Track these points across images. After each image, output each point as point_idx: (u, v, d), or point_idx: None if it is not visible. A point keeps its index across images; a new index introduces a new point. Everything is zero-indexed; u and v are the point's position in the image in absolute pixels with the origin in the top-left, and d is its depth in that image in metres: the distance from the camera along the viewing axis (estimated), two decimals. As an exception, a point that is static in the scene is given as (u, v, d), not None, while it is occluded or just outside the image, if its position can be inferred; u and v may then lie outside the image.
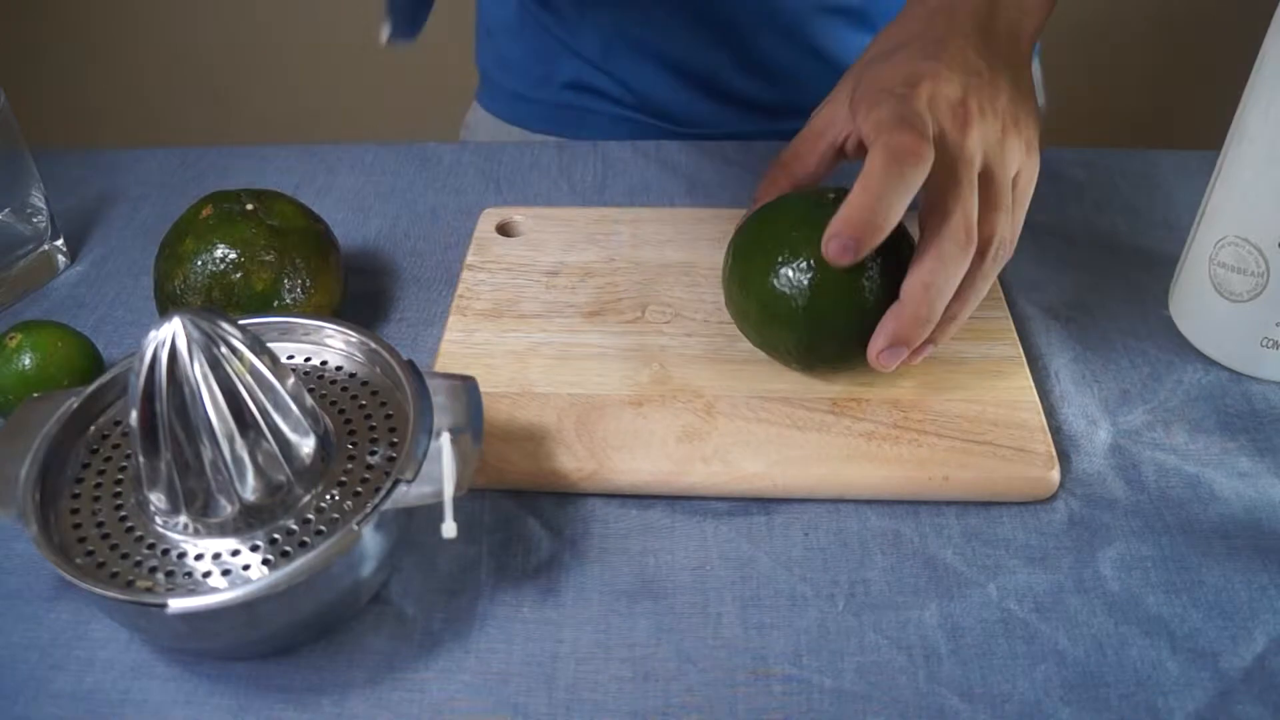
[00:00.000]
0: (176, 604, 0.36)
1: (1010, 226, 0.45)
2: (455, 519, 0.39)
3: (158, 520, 0.40)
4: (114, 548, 0.39)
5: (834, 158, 0.51)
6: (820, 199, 0.47)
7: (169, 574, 0.39)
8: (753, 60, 0.72)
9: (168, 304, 0.52)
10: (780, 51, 0.71)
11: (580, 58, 0.75)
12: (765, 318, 0.48)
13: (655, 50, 0.73)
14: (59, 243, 0.61)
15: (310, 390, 0.42)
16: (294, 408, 0.40)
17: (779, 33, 0.70)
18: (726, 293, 0.50)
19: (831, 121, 0.50)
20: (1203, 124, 0.79)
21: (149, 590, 0.38)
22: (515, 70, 0.79)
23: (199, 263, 0.51)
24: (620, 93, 0.75)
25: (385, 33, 0.54)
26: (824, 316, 0.46)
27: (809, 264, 0.45)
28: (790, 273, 0.46)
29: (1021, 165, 0.46)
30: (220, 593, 0.36)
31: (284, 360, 0.43)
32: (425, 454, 0.40)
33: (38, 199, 0.60)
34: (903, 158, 0.41)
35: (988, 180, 0.44)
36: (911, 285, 0.43)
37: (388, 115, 1.60)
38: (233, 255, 0.51)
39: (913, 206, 0.43)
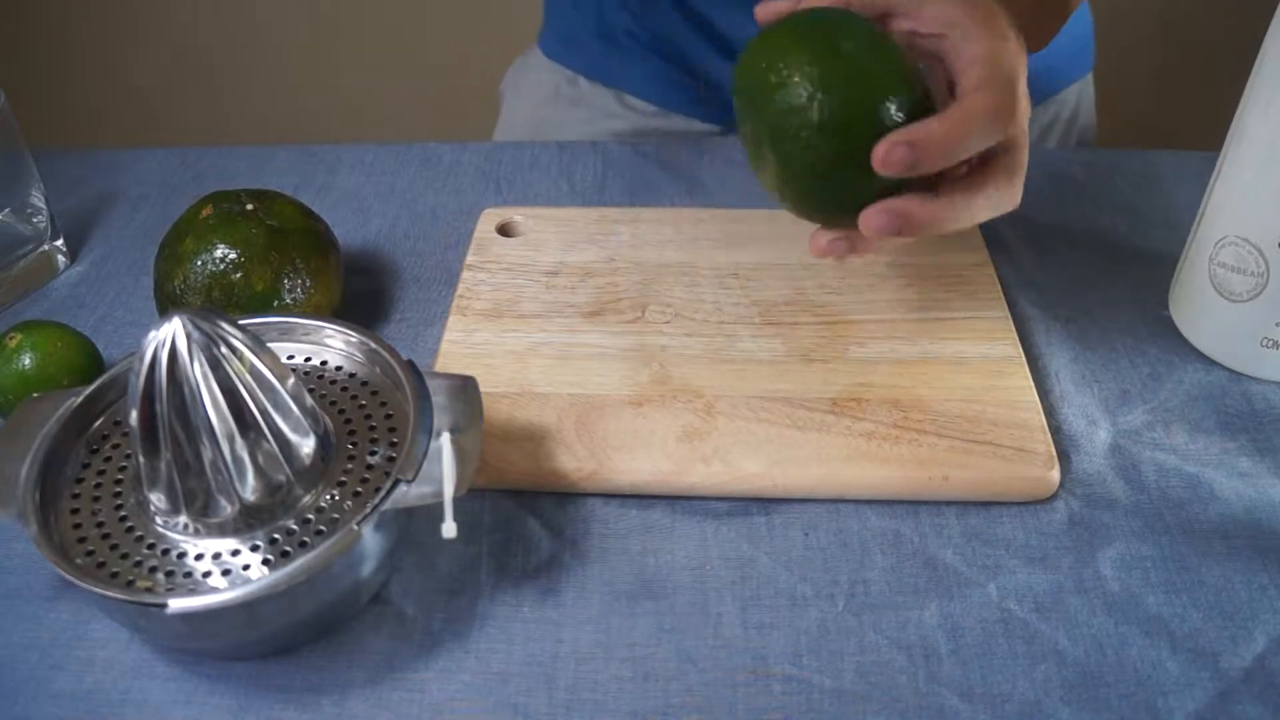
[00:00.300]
0: (176, 604, 0.36)
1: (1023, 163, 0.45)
2: (455, 519, 0.39)
3: (158, 520, 0.40)
4: (114, 548, 0.39)
5: (876, 8, 0.47)
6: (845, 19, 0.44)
7: (169, 574, 0.39)
8: None
9: (168, 304, 0.52)
10: None
11: (626, 9, 0.75)
12: (776, 138, 0.44)
13: (713, 32, 0.72)
14: (59, 243, 0.61)
15: (310, 390, 0.42)
16: (294, 408, 0.40)
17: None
18: (740, 124, 0.47)
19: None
20: (1203, 124, 0.79)
21: (149, 590, 0.38)
22: (566, 12, 0.79)
23: (199, 263, 0.51)
24: (661, 45, 0.75)
25: None
26: (843, 131, 0.42)
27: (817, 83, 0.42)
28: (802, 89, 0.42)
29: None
30: (220, 593, 0.36)
31: (284, 360, 0.43)
32: (425, 454, 0.40)
33: (38, 199, 0.60)
34: (1004, 120, 0.42)
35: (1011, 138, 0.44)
36: (942, 119, 0.42)
37: (387, 115, 1.60)
38: (233, 255, 0.51)
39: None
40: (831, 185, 0.44)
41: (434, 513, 0.39)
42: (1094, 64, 0.80)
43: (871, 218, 0.42)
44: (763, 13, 0.47)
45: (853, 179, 0.43)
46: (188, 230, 0.52)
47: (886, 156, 0.41)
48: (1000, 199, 0.44)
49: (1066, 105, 0.78)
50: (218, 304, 0.51)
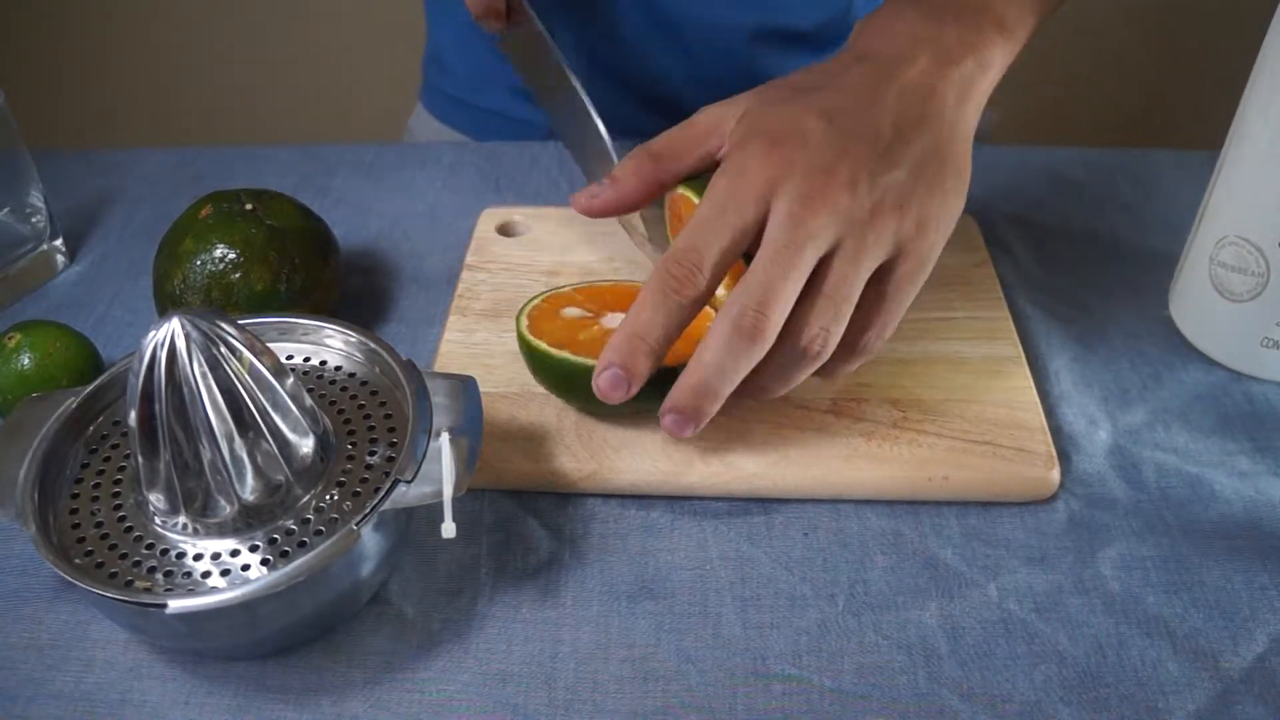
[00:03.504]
0: (176, 604, 0.36)
1: (835, 323, 0.41)
2: (455, 519, 0.39)
3: (157, 520, 0.40)
4: (113, 548, 0.39)
5: (707, 166, 0.46)
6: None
7: (168, 574, 0.39)
8: (697, 77, 0.71)
9: (167, 304, 0.52)
10: (723, 70, 0.71)
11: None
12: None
13: (602, 61, 0.72)
14: (58, 242, 0.61)
15: (310, 390, 0.42)
16: (293, 408, 0.40)
17: (721, 53, 0.70)
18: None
19: (717, 128, 0.45)
20: (1203, 124, 0.79)
21: (148, 590, 0.38)
22: (456, 75, 0.79)
23: (198, 262, 0.51)
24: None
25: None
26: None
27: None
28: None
29: (902, 250, 0.41)
30: (219, 593, 0.36)
31: (284, 360, 0.43)
32: (425, 454, 0.40)
33: (37, 199, 0.60)
34: (681, 288, 0.40)
35: (824, 268, 0.40)
36: (692, 364, 0.41)
37: (388, 115, 1.60)
38: (232, 255, 0.51)
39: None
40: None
41: (434, 513, 0.39)
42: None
43: (664, 420, 0.43)
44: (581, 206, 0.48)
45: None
46: (187, 230, 0.52)
47: (597, 386, 0.42)
48: (735, 334, 0.40)
49: None
50: (217, 304, 0.51)
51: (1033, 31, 0.48)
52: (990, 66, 0.46)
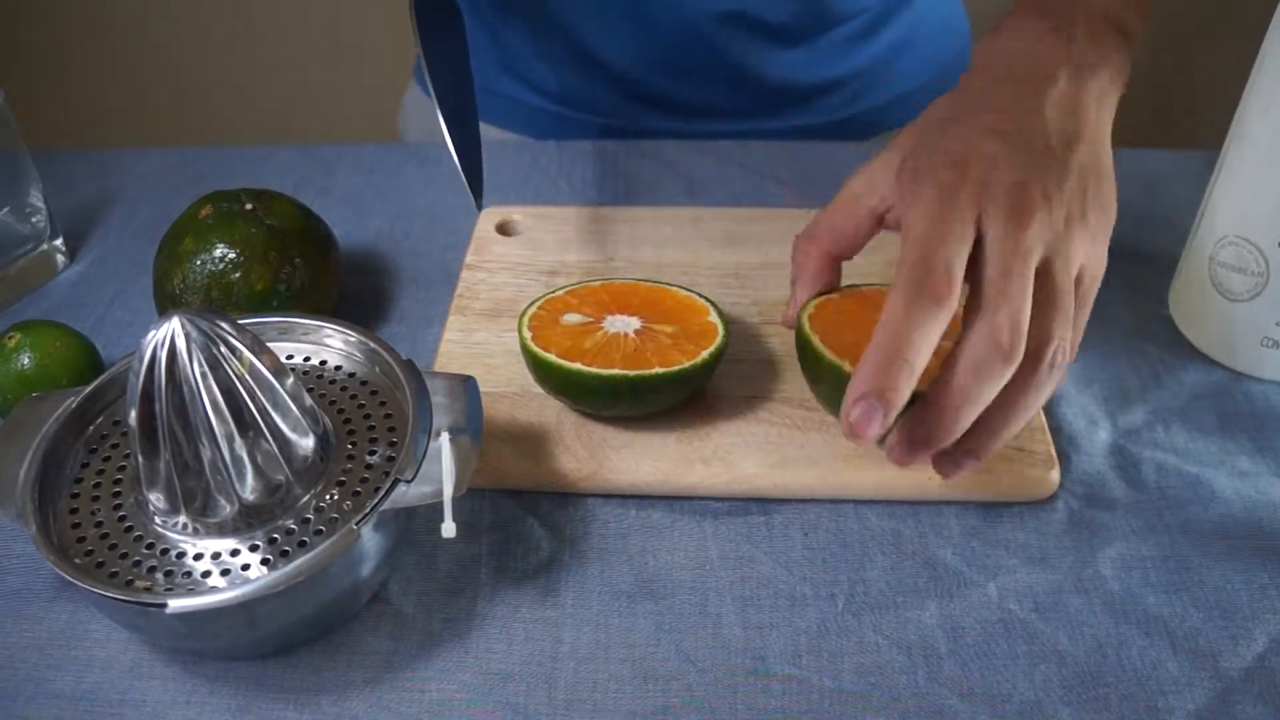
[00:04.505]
0: (176, 604, 0.36)
1: (1069, 330, 0.40)
2: (455, 519, 0.39)
3: (157, 520, 0.40)
4: (113, 547, 0.39)
5: (873, 227, 0.46)
6: None
7: (168, 574, 0.39)
8: (666, 62, 0.71)
9: (167, 304, 0.52)
10: (693, 58, 0.71)
11: (508, 50, 0.75)
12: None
13: (573, 43, 0.72)
14: (58, 242, 0.61)
15: (310, 390, 0.42)
16: (293, 407, 0.40)
17: (689, 38, 0.70)
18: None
19: (872, 187, 0.45)
20: (1203, 124, 0.79)
21: (148, 590, 0.38)
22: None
23: (198, 262, 0.51)
24: (549, 86, 0.75)
25: (478, 205, 0.53)
26: None
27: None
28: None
29: (1086, 260, 0.41)
30: (219, 593, 0.36)
31: (284, 360, 0.43)
32: (425, 454, 0.40)
33: (37, 198, 0.60)
34: (940, 297, 0.37)
35: (1045, 278, 0.39)
36: (940, 390, 0.38)
37: (387, 115, 1.60)
38: (232, 255, 0.51)
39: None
40: None
41: (434, 513, 0.39)
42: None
43: (899, 458, 0.40)
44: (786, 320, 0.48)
45: None
46: (187, 230, 0.52)
47: (847, 429, 0.38)
48: (992, 354, 0.37)
49: None
50: (217, 304, 0.51)
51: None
52: (1121, 74, 0.46)
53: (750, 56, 0.71)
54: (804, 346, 0.45)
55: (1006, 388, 0.39)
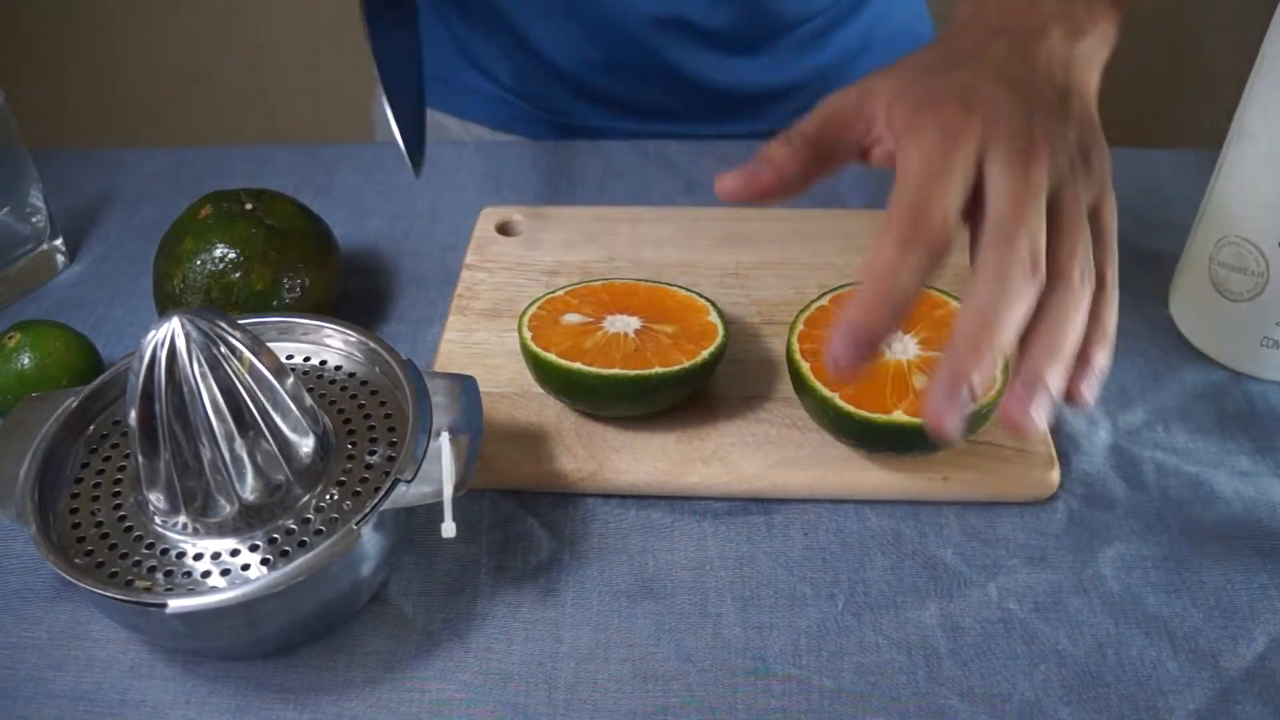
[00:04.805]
0: (176, 604, 0.36)
1: (1089, 250, 0.39)
2: (455, 519, 0.39)
3: (157, 520, 0.40)
4: (113, 547, 0.39)
5: (854, 156, 0.44)
6: None
7: (168, 574, 0.39)
8: (606, 61, 0.72)
9: (167, 304, 0.52)
10: (632, 57, 0.71)
11: (463, 42, 0.75)
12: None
13: (518, 38, 0.72)
14: (58, 242, 0.61)
15: (310, 390, 0.42)
16: (293, 407, 0.40)
17: (625, 38, 0.70)
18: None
19: (860, 113, 0.42)
20: (1203, 124, 0.79)
21: (148, 590, 0.38)
22: None
23: (198, 262, 0.51)
24: (505, 79, 0.76)
25: (413, 169, 0.55)
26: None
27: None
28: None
29: (1099, 199, 0.41)
30: (219, 593, 0.36)
31: (284, 360, 0.43)
32: (424, 454, 0.40)
33: (37, 198, 0.60)
34: (929, 236, 0.36)
35: (1057, 213, 0.38)
36: (964, 318, 0.36)
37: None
38: (232, 255, 0.51)
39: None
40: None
41: (434, 513, 0.39)
42: None
43: (935, 414, 0.36)
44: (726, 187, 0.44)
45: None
46: (187, 230, 0.52)
47: (827, 360, 0.36)
48: (1017, 271, 0.36)
49: None
50: (217, 303, 0.51)
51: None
52: (1109, 39, 0.46)
53: (694, 61, 0.71)
54: (796, 374, 0.46)
55: (1042, 309, 0.37)
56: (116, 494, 0.41)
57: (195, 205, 0.54)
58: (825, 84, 0.73)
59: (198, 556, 0.39)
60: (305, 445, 0.41)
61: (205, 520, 0.39)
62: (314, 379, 0.46)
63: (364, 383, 0.46)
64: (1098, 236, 0.41)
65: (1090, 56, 0.45)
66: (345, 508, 0.40)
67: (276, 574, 0.37)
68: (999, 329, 0.35)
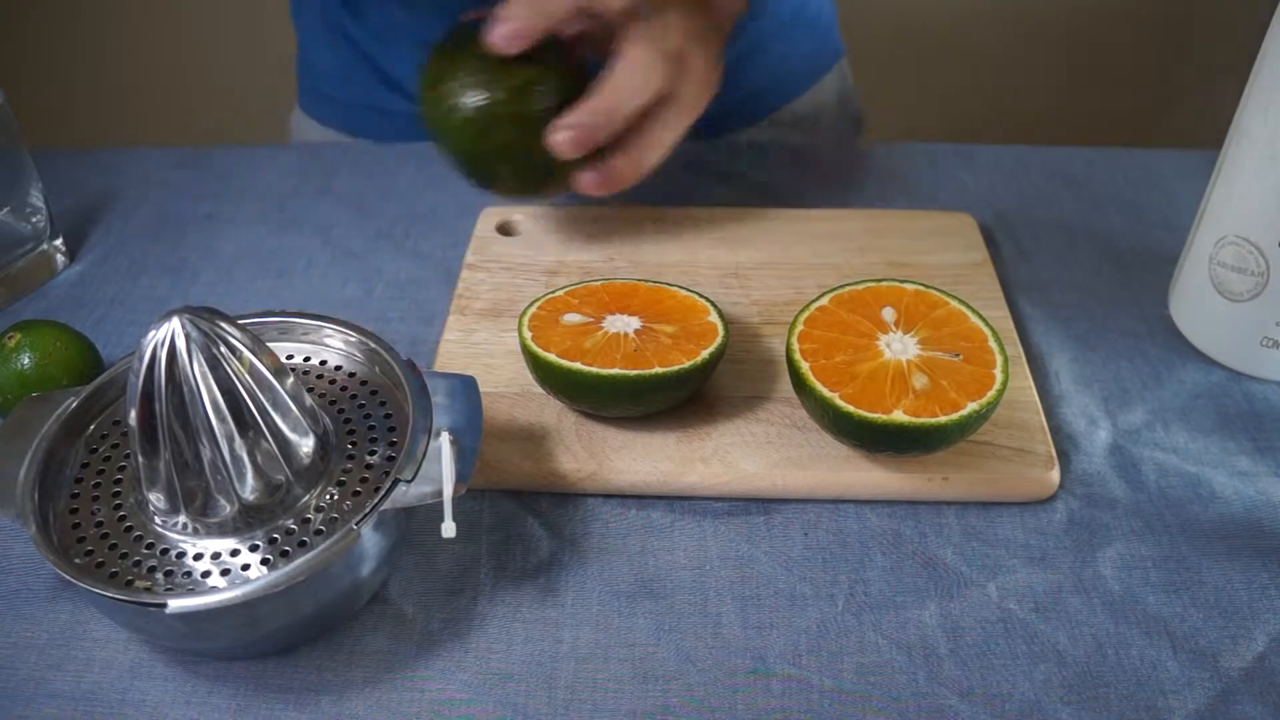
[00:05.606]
0: (175, 604, 0.36)
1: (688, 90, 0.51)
2: (455, 519, 0.39)
3: (157, 520, 0.40)
4: (113, 547, 0.39)
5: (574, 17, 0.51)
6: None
7: (168, 574, 0.39)
8: None
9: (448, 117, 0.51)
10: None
11: (378, 64, 0.75)
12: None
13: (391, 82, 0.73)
14: (58, 242, 0.61)
15: (310, 390, 0.42)
16: (293, 407, 0.40)
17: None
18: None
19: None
20: (1203, 124, 0.79)
21: (148, 590, 0.38)
22: (322, 71, 0.80)
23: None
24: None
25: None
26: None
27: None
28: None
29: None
30: (219, 593, 0.36)
31: (284, 360, 0.43)
32: (424, 454, 0.40)
33: (37, 198, 0.60)
34: (595, 131, 0.49)
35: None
36: (602, 81, 0.49)
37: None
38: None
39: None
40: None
41: (434, 513, 0.39)
42: (845, 51, 0.82)
43: (583, 179, 0.51)
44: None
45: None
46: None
47: (556, 144, 0.49)
48: (677, 117, 0.51)
49: (825, 96, 0.80)
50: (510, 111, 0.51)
51: None
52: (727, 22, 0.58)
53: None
54: (795, 374, 0.46)
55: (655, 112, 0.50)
56: (116, 494, 0.41)
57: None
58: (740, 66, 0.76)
59: (198, 556, 0.39)
60: (305, 445, 0.41)
61: (205, 520, 0.39)
62: (314, 379, 0.46)
63: (364, 383, 0.46)
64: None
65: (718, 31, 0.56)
66: (345, 508, 0.40)
67: (276, 574, 0.37)
68: (630, 93, 0.50)
